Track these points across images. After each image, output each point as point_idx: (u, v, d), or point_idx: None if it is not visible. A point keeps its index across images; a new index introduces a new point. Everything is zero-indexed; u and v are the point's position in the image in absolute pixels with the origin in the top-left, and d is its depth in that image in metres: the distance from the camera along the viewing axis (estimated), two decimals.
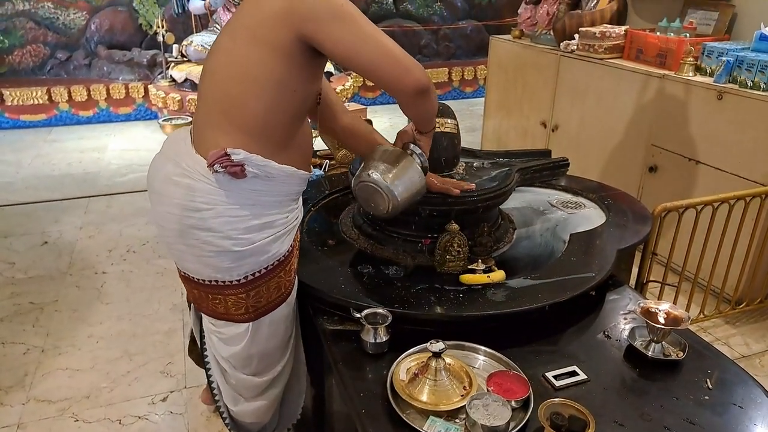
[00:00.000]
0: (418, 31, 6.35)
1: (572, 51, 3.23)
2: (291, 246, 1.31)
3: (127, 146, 4.71)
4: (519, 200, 1.89)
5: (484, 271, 1.41)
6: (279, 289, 1.33)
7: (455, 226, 1.44)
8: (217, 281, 1.27)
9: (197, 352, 1.67)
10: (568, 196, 1.95)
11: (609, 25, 3.18)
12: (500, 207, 1.68)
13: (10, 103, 5.04)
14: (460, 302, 1.32)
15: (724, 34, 2.79)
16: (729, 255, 2.25)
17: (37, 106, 5.12)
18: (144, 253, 2.98)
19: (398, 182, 1.29)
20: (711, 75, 2.55)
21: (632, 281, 1.92)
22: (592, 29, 3.11)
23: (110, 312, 2.48)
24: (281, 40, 1.13)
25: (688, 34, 2.77)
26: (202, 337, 1.48)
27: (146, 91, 5.25)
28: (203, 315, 1.42)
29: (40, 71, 5.37)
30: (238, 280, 1.27)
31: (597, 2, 3.33)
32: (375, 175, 1.29)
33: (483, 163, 1.74)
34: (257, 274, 1.27)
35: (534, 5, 3.75)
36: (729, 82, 2.46)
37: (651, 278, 2.03)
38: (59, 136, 4.97)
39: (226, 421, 1.51)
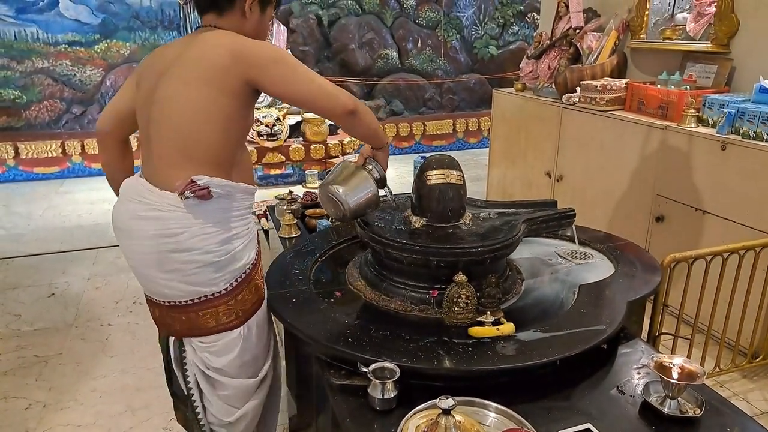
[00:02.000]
0: (422, 84, 6.52)
1: (574, 103, 3.29)
2: (256, 251, 1.50)
3: None
4: (526, 251, 1.89)
5: (493, 324, 1.40)
6: (258, 290, 1.51)
7: (463, 278, 1.43)
8: (206, 296, 1.40)
9: (183, 414, 1.64)
10: (575, 247, 1.94)
11: (610, 79, 3.25)
12: (508, 258, 1.68)
13: (24, 156, 5.16)
14: (470, 356, 1.29)
15: (724, 87, 2.84)
16: (742, 306, 2.21)
17: (50, 158, 5.25)
18: None
19: (352, 192, 1.50)
20: (713, 126, 2.59)
21: (644, 334, 1.89)
22: (594, 82, 3.18)
23: (114, 365, 2.45)
24: (231, 85, 1.33)
25: (688, 87, 2.83)
26: (174, 371, 1.53)
27: None
28: (190, 341, 1.47)
29: (55, 125, 5.52)
30: (226, 289, 1.41)
31: (597, 56, 3.42)
32: (332, 186, 1.50)
33: (489, 214, 1.74)
34: (240, 279, 1.43)
35: (535, 60, 3.86)
36: (731, 133, 2.49)
37: (663, 330, 1.99)
38: (71, 188, 5.05)
39: None
